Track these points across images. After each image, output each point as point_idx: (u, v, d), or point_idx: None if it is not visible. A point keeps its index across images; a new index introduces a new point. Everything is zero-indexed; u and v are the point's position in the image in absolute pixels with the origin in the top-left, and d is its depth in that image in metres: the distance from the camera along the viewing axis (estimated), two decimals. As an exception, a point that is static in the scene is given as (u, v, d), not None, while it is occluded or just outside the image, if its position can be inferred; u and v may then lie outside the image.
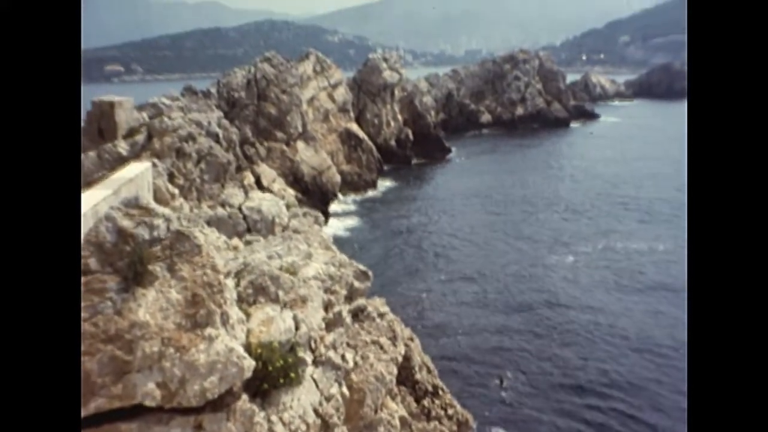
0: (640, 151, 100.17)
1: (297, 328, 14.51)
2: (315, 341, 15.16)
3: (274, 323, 13.92)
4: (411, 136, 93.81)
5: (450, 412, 20.58)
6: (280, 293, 15.26)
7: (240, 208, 38.96)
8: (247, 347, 12.64)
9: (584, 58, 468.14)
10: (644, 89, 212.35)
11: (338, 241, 44.18)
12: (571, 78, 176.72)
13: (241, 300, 14.46)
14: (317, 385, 14.53)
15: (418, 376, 20.20)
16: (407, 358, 18.98)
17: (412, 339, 19.99)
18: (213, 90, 59.40)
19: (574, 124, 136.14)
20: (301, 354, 13.94)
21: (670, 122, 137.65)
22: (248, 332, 13.32)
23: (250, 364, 11.99)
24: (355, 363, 16.14)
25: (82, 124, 37.45)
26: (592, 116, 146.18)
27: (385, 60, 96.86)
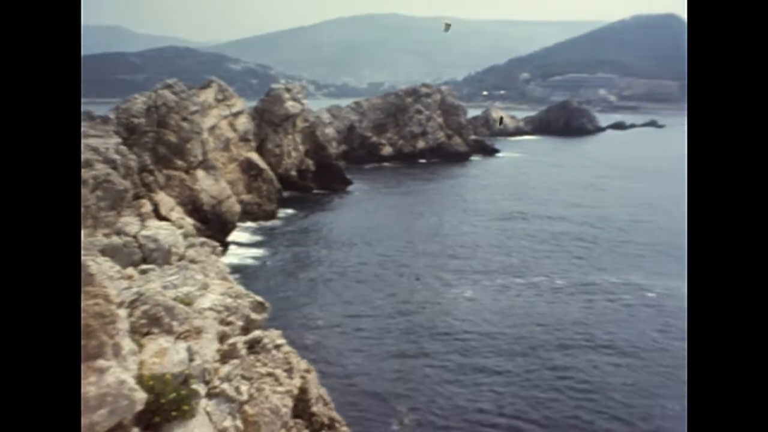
0: (538, 185, 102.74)
1: (191, 359, 14.33)
2: (209, 373, 14.99)
3: (167, 355, 13.72)
4: (312, 167, 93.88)
5: (345, 444, 20.52)
6: (175, 324, 15.07)
7: (136, 237, 38.20)
8: (139, 379, 12.41)
9: (485, 93, 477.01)
10: (543, 125, 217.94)
11: (236, 271, 43.81)
12: (472, 113, 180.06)
13: (134, 331, 14.21)
14: (210, 418, 14.35)
15: (314, 409, 20.11)
16: (303, 390, 18.89)
17: (308, 371, 19.91)
18: (112, 115, 58.26)
19: (474, 158, 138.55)
20: (194, 386, 13.76)
21: (566, 158, 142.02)
22: (141, 364, 13.09)
23: (141, 396, 11.77)
24: (250, 395, 15.99)
25: None
26: (491, 151, 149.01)
27: (288, 90, 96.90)
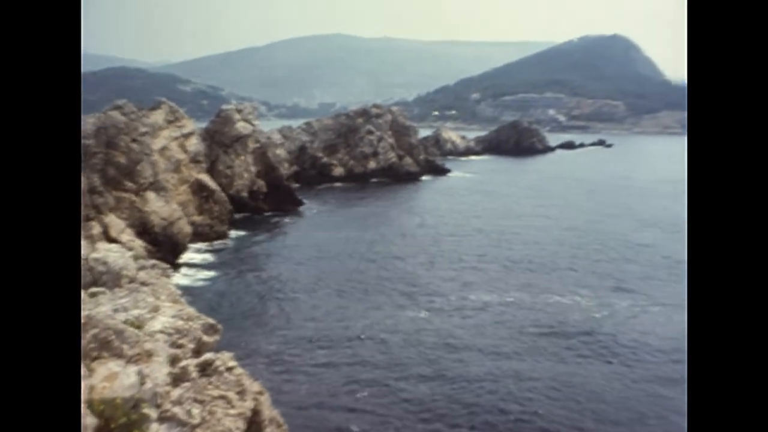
0: (488, 205, 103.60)
1: (142, 383, 14.24)
2: (160, 397, 14.89)
3: (117, 379, 13.62)
4: (264, 188, 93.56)
5: (298, 466, 20.47)
6: (125, 347, 14.97)
7: (86, 260, 37.76)
8: (89, 404, 12.31)
9: (436, 113, 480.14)
10: (494, 145, 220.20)
11: (188, 294, 43.40)
12: (423, 133, 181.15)
13: (84, 355, 14.09)
14: (162, 442, 14.26)
15: (267, 431, 20.04)
16: (256, 412, 18.80)
17: (261, 393, 19.83)
18: (59, 137, 57.59)
19: (425, 178, 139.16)
20: (145, 410, 13.68)
21: (517, 177, 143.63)
22: (91, 388, 12.98)
23: (91, 421, 11.69)
24: (202, 418, 15.90)
25: None
26: (442, 171, 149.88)
27: (239, 111, 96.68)
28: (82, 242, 39.72)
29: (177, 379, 16.00)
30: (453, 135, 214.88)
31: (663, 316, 47.90)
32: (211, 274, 58.69)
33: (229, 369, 17.87)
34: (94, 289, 21.39)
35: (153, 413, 14.07)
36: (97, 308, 17.22)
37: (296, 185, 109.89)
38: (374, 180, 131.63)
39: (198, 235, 69.74)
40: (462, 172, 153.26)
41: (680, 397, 33.92)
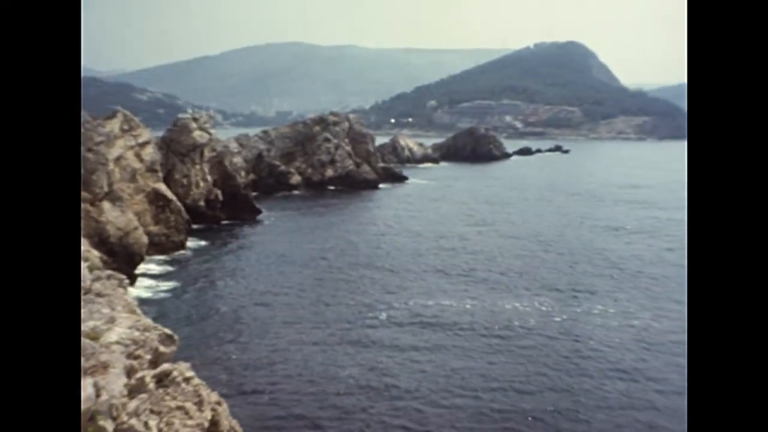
0: (447, 211, 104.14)
1: (98, 395, 14.13)
2: (117, 409, 14.78)
3: (73, 391, 13.50)
4: (221, 197, 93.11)
5: (258, 476, 20.42)
6: (81, 360, 14.84)
7: (39, 271, 37.35)
8: (44, 417, 12.20)
9: (393, 121, 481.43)
10: (451, 152, 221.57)
11: (145, 304, 43.09)
12: (380, 141, 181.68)
13: (38, 368, 13.95)
14: (119, 454, 14.16)
15: (225, 441, 19.96)
16: (215, 423, 18.74)
17: (219, 403, 19.77)
18: (12, 147, 56.91)
19: (383, 186, 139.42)
20: (101, 422, 13.58)
21: (474, 183, 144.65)
22: (45, 401, 12.86)
23: (46, 434, 11.57)
24: (159, 430, 15.82)
25: None
26: (400, 178, 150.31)
27: (195, 120, 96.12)
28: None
29: (134, 391, 15.91)
30: (410, 142, 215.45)
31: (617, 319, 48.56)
32: (168, 284, 58.24)
33: (187, 379, 17.81)
34: (48, 301, 21.18)
35: (109, 426, 13.97)
36: (52, 320, 17.05)
37: (254, 194, 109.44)
38: (332, 188, 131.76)
39: (155, 245, 69.12)
40: (420, 179, 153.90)
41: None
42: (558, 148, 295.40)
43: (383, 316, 48.75)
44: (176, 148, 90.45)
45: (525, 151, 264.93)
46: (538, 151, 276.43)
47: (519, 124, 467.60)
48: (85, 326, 17.70)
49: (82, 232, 54.45)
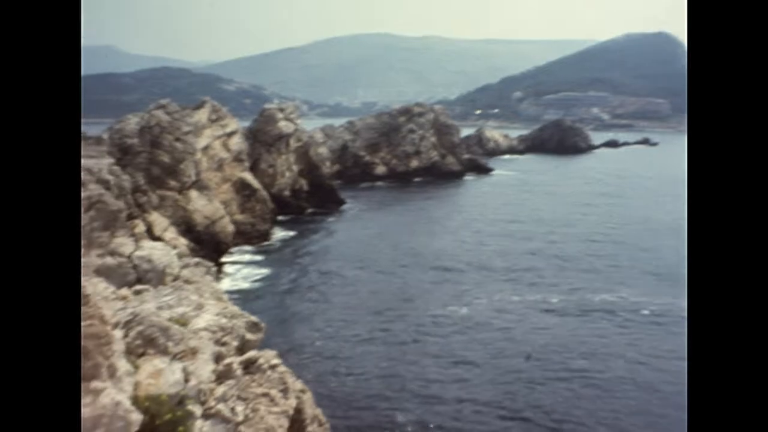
0: (535, 205, 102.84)
1: (186, 380, 14.27)
2: (205, 394, 14.93)
3: (163, 375, 13.67)
4: (306, 187, 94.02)
5: (341, 464, 20.45)
6: (170, 345, 15.01)
7: (130, 257, 38.15)
8: (135, 400, 12.35)
9: (479, 112, 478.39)
10: (536, 144, 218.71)
11: (231, 292, 43.67)
12: (465, 132, 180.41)
13: (129, 352, 14.15)
14: (206, 439, 14.28)
15: (309, 429, 20.02)
16: (299, 410, 18.80)
17: (303, 391, 19.82)
18: (105, 136, 58.31)
19: (468, 177, 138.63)
20: (190, 407, 13.71)
21: (560, 177, 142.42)
22: (136, 385, 13.03)
23: (137, 417, 11.70)
24: (246, 416, 15.91)
25: None
26: (485, 170, 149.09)
27: (281, 110, 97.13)
28: (127, 240, 40.15)
29: (221, 377, 16.03)
30: (495, 134, 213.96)
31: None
32: (254, 272, 58.96)
33: (273, 367, 17.87)
34: (138, 287, 21.52)
35: (197, 410, 14.11)
36: (142, 306, 17.31)
37: (338, 184, 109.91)
38: (416, 179, 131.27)
39: (241, 234, 70.06)
40: (505, 171, 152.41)
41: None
42: (646, 141, 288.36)
43: (464, 311, 48.37)
44: (262, 138, 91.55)
45: (612, 144, 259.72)
46: (625, 143, 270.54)
47: (606, 116, 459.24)
48: (174, 312, 17.92)
49: (169, 221, 55.55)
